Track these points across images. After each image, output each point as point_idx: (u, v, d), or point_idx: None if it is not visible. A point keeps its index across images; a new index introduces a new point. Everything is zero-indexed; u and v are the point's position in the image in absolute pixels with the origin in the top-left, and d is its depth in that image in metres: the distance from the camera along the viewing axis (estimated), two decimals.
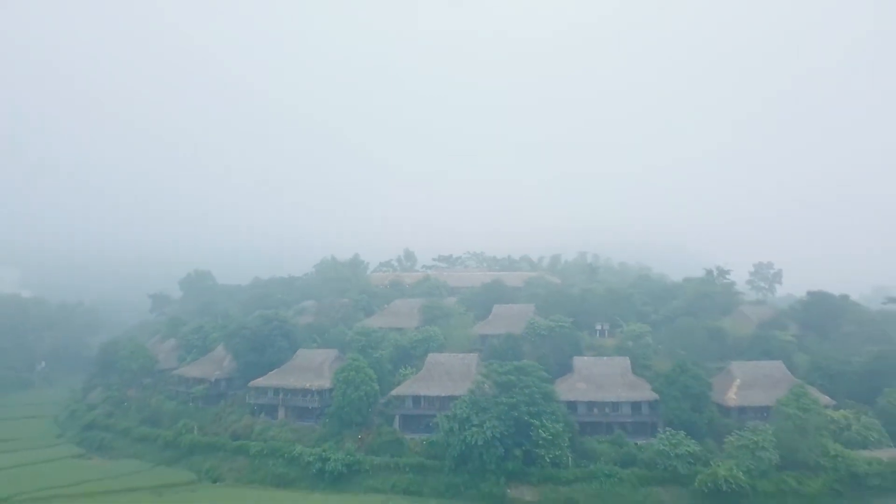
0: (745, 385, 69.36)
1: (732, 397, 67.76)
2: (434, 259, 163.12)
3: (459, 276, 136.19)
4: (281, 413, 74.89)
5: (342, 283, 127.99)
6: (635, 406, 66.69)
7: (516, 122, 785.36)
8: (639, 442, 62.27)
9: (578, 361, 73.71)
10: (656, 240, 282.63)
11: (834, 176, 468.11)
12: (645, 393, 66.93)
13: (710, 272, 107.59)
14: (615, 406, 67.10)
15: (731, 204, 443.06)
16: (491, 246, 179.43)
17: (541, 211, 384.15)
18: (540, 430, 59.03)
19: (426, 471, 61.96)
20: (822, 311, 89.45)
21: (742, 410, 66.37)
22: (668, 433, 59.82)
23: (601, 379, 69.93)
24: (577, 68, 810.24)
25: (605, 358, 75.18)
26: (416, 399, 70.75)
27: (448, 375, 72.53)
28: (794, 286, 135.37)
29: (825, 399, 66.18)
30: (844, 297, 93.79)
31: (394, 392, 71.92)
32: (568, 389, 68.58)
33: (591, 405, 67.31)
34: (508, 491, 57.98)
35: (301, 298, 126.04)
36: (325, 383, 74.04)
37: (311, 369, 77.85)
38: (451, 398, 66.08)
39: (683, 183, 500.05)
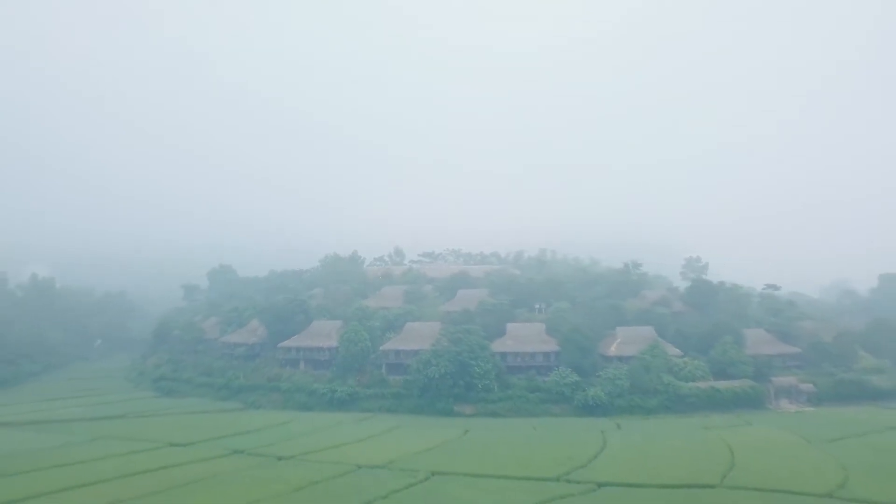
0: (623, 342, 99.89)
1: (613, 350, 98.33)
2: (419, 255, 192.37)
3: (438, 269, 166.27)
4: (301, 365, 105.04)
5: (343, 275, 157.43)
6: (545, 355, 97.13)
7: (510, 123, 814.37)
8: (545, 379, 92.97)
9: (510, 326, 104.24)
10: (635, 236, 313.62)
11: (807, 182, 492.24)
12: (552, 346, 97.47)
13: (626, 265, 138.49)
14: (532, 355, 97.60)
15: (715, 205, 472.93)
16: (470, 242, 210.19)
17: (518, 211, 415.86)
18: (476, 369, 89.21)
19: (401, 397, 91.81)
20: (700, 294, 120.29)
21: (620, 359, 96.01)
22: (561, 371, 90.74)
23: (524, 338, 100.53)
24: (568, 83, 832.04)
25: (528, 323, 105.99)
26: (397, 352, 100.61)
27: (419, 337, 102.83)
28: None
29: (675, 351, 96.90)
30: (721, 283, 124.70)
31: (382, 348, 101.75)
32: (501, 344, 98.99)
33: (515, 355, 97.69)
34: (455, 408, 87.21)
35: (310, 287, 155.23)
36: (333, 343, 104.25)
37: (323, 334, 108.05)
38: (420, 350, 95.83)
39: (665, 185, 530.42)
